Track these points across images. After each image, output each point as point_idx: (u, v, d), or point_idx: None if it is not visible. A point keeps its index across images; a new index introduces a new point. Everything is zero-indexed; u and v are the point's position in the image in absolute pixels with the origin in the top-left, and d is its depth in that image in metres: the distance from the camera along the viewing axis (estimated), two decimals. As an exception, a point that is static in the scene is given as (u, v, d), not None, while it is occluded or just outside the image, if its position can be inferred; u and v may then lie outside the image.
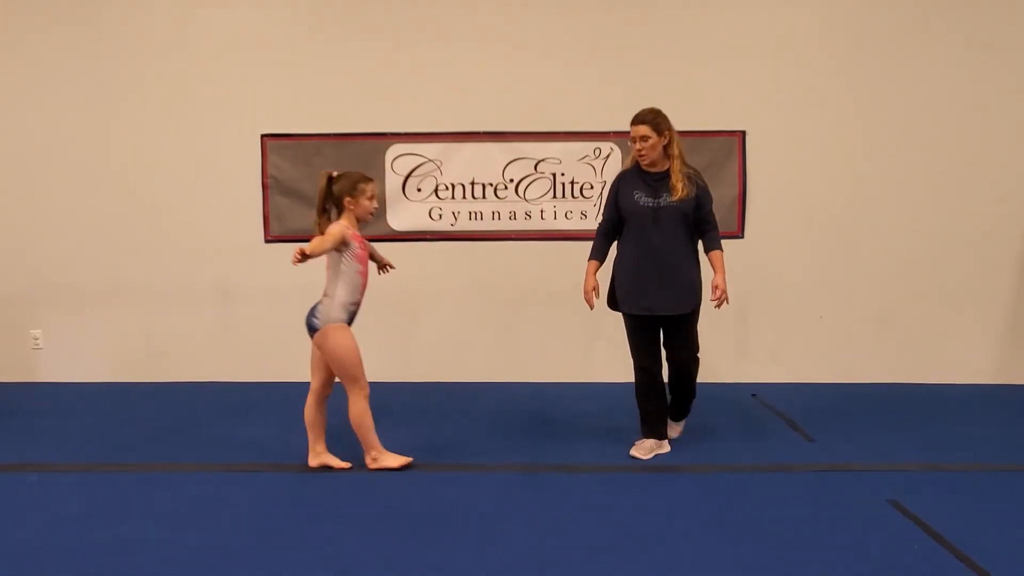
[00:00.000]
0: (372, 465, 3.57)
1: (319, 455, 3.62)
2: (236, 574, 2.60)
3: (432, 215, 5.34)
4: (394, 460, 3.59)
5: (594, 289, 3.77)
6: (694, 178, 3.68)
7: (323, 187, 3.54)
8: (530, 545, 2.81)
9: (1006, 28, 5.16)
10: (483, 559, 2.70)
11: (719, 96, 5.24)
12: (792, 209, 5.28)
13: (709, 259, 3.75)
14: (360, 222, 3.59)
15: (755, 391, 5.09)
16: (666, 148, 3.65)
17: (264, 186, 5.31)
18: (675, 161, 3.65)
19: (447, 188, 5.32)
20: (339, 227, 3.46)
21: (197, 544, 2.82)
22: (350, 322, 3.54)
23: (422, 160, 5.30)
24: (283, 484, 3.44)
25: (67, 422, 4.43)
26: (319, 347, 3.51)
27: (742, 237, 5.29)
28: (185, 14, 5.26)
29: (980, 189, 5.24)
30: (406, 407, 4.74)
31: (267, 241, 5.36)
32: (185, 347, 5.40)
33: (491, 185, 5.32)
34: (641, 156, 3.66)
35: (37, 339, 5.45)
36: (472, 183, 5.32)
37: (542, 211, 5.32)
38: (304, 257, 3.24)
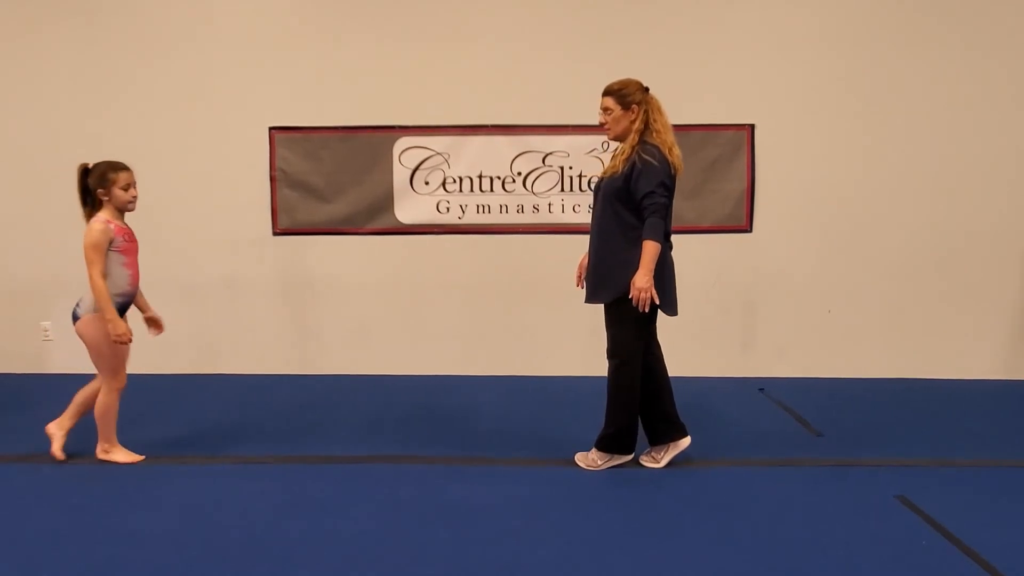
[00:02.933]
0: (100, 456, 3.58)
1: (61, 426, 3.65)
2: (242, 565, 2.62)
3: (440, 208, 5.34)
4: (124, 456, 3.59)
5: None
6: (635, 157, 3.28)
7: (79, 179, 3.49)
8: (536, 539, 2.82)
9: (1014, 26, 5.12)
10: (487, 554, 2.71)
11: (728, 90, 5.22)
12: (801, 203, 5.26)
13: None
14: (123, 212, 3.51)
15: (763, 386, 5.08)
16: (633, 124, 3.35)
17: (272, 179, 5.32)
18: (632, 135, 3.33)
19: (455, 181, 5.31)
20: (93, 233, 3.43)
21: (205, 536, 2.84)
22: (119, 313, 3.51)
23: (430, 153, 5.29)
24: (289, 476, 3.45)
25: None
26: (80, 336, 3.51)
27: (750, 231, 5.27)
28: (193, 7, 5.26)
29: (989, 184, 5.21)
30: (413, 401, 4.74)
31: (275, 234, 5.36)
32: (193, 340, 5.42)
33: (499, 178, 5.31)
34: (605, 131, 3.45)
35: (47, 331, 5.48)
36: (480, 176, 5.31)
37: (550, 204, 5.31)
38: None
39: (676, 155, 3.34)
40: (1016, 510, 3.09)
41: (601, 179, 3.44)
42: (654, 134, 3.34)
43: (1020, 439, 4.03)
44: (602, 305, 3.45)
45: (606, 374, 3.51)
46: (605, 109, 3.41)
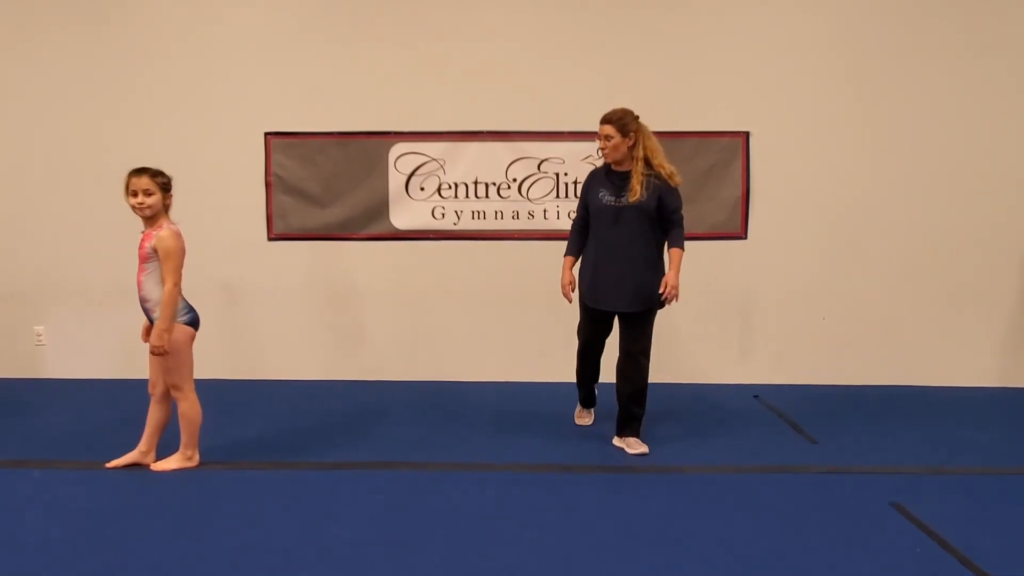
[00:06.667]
0: (185, 463, 3.56)
1: (148, 448, 3.59)
2: (236, 571, 2.61)
3: (435, 214, 5.34)
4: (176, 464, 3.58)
5: (570, 283, 3.93)
6: (653, 181, 3.75)
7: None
8: (531, 545, 2.81)
9: (1013, 31, 5.15)
10: (484, 559, 2.70)
11: (723, 97, 5.23)
12: (796, 210, 5.27)
13: (669, 256, 3.82)
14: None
15: (758, 393, 5.08)
16: (631, 149, 3.75)
17: (268, 184, 5.32)
18: (638, 163, 3.74)
19: (450, 187, 5.32)
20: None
21: (198, 542, 2.82)
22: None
23: (425, 159, 5.30)
24: (283, 483, 3.44)
25: (70, 418, 4.43)
26: None
27: (745, 238, 5.28)
28: (189, 13, 5.26)
29: (985, 191, 5.22)
30: (408, 406, 4.73)
31: (270, 239, 5.36)
32: (188, 345, 5.40)
33: (494, 184, 5.32)
34: (604, 154, 3.83)
35: (40, 335, 5.46)
36: (475, 182, 5.32)
37: (545, 211, 5.32)
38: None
39: (677, 179, 3.82)
40: (1011, 517, 3.09)
41: (619, 201, 3.77)
42: (652, 160, 3.77)
43: (1015, 447, 4.03)
44: (623, 311, 3.85)
45: (628, 371, 3.83)
46: (606, 136, 3.76)
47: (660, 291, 3.71)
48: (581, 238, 3.98)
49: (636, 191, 3.71)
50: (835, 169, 5.25)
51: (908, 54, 5.19)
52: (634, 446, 3.83)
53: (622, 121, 3.72)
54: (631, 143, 3.74)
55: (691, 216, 5.24)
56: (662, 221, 3.80)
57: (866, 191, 5.25)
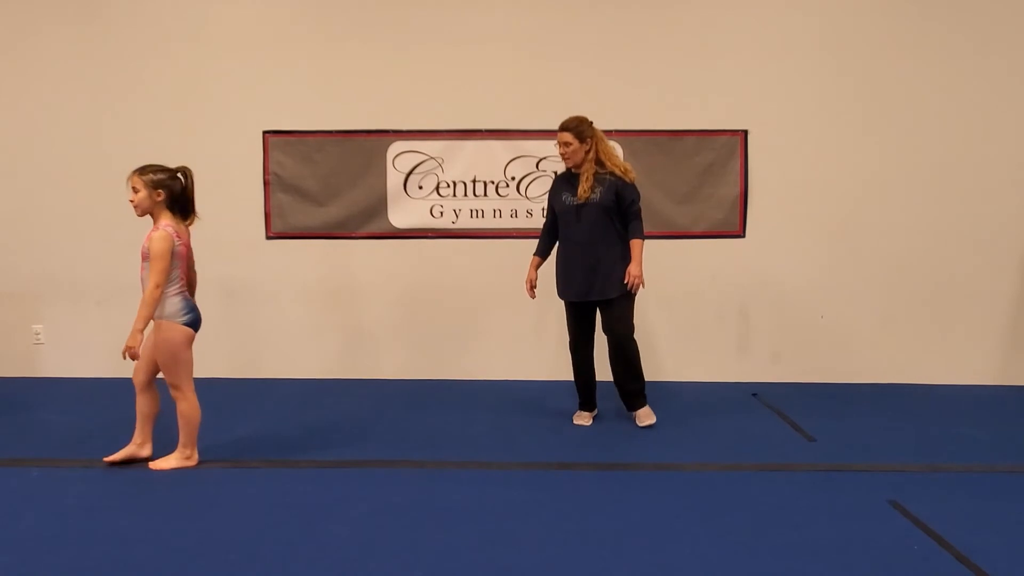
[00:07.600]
0: (184, 463, 3.56)
1: (143, 441, 3.60)
2: (233, 570, 2.61)
3: (433, 213, 5.34)
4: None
5: (530, 281, 4.29)
6: (609, 178, 4.02)
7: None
8: (530, 543, 2.81)
9: (1011, 28, 5.15)
10: (483, 557, 2.70)
11: (721, 95, 5.24)
12: (794, 208, 5.27)
13: (630, 247, 4.07)
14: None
15: (756, 391, 5.09)
16: (587, 153, 4.05)
17: (266, 183, 5.31)
18: (587, 164, 4.04)
19: (448, 186, 5.32)
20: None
21: (197, 539, 2.82)
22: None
23: (424, 158, 5.30)
24: (281, 481, 3.44)
25: (68, 417, 4.43)
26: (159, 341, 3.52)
27: (743, 236, 5.28)
28: (187, 11, 5.26)
29: (983, 189, 5.23)
30: (406, 405, 4.74)
31: (268, 238, 5.36)
32: (186, 343, 5.39)
33: (492, 183, 5.32)
34: (565, 159, 4.11)
35: (38, 334, 5.46)
36: (474, 181, 5.32)
37: (543, 209, 5.31)
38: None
39: (632, 175, 4.08)
40: (1009, 515, 3.09)
41: (583, 202, 4.05)
42: (606, 161, 4.07)
43: (1012, 444, 4.04)
44: (600, 299, 4.12)
45: (614, 353, 4.14)
46: (565, 143, 4.06)
47: (625, 281, 4.00)
48: (549, 239, 4.31)
49: (585, 190, 4.01)
50: (834, 167, 5.25)
51: (907, 52, 5.19)
52: (643, 418, 4.18)
53: (579, 128, 4.02)
54: (588, 148, 4.04)
55: (690, 214, 5.29)
56: (621, 214, 4.06)
57: (864, 189, 5.26)
